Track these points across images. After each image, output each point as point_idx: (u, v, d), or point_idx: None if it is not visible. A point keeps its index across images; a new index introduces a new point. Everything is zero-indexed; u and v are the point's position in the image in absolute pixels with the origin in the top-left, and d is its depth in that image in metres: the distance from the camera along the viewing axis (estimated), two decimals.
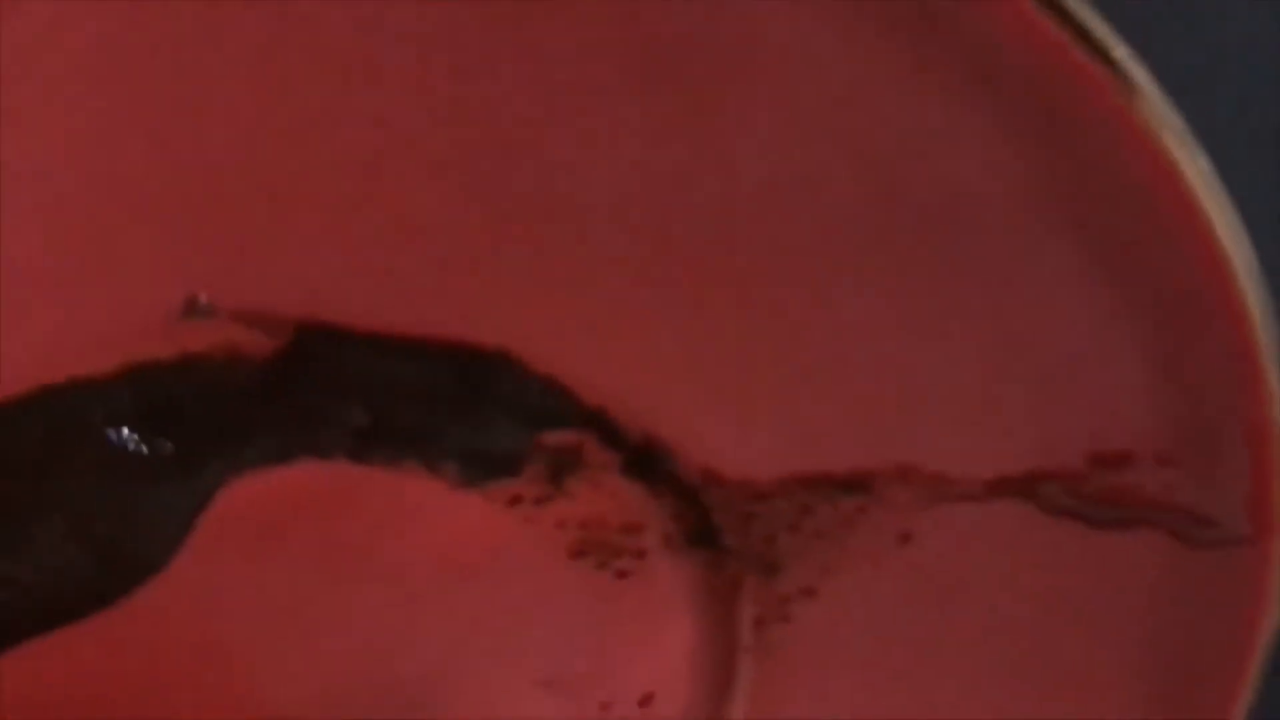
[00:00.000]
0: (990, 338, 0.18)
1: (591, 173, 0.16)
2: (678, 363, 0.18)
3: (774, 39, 0.15)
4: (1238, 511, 0.19)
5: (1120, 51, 0.15)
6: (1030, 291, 0.18)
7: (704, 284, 0.18)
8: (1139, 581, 0.20)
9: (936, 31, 0.15)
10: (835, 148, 0.16)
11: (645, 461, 0.19)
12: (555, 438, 0.19)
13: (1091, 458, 0.19)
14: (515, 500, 0.19)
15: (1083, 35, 0.15)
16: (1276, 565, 0.19)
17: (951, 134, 0.16)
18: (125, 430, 0.17)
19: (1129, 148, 0.16)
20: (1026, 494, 0.19)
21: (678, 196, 0.16)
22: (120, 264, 0.16)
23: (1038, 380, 0.18)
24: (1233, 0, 0.25)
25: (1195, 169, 0.16)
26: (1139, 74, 0.16)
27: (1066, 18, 0.15)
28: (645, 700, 0.22)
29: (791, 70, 0.15)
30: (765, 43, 0.15)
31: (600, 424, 0.18)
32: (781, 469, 0.19)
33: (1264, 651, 0.20)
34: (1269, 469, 0.18)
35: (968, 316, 0.18)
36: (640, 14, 0.15)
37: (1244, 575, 0.19)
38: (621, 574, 0.21)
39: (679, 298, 0.18)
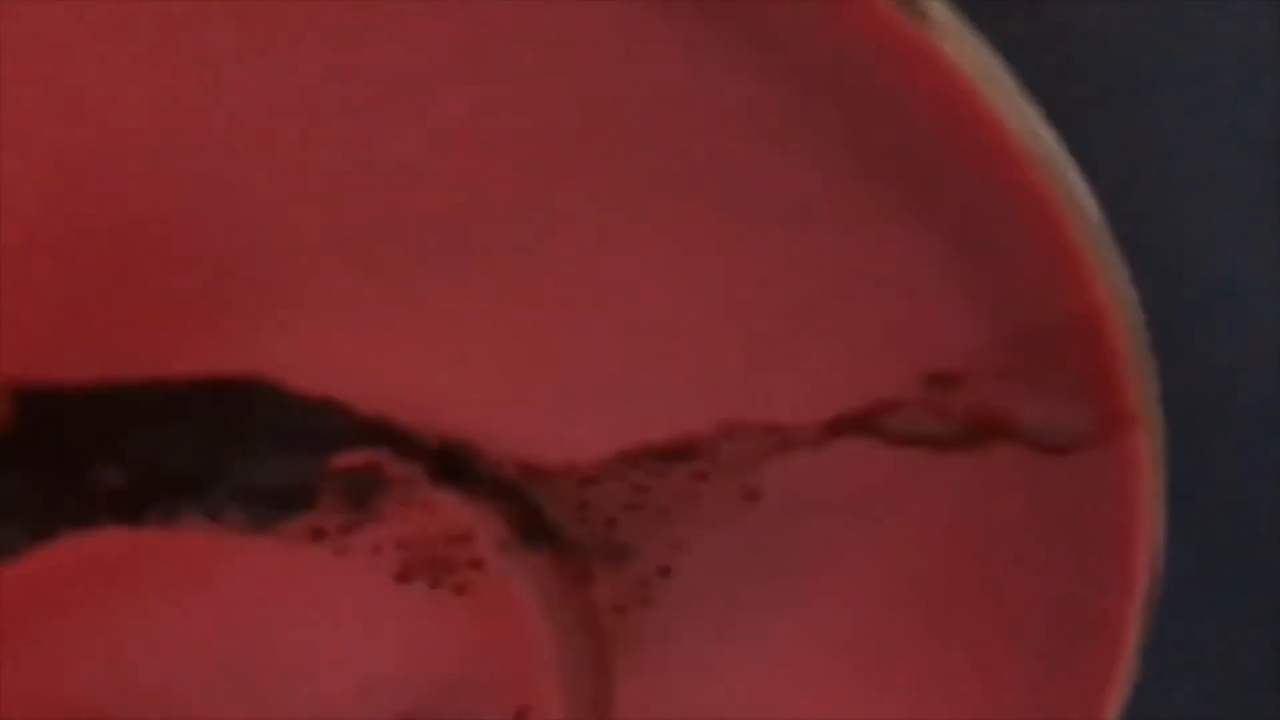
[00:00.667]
0: (793, 276, 0.16)
1: (303, 173, 0.14)
2: (457, 356, 0.16)
3: None
4: (1089, 409, 0.17)
5: None
6: (829, 222, 0.16)
7: (461, 269, 0.16)
8: (1005, 501, 0.18)
9: None
10: (586, 96, 0.15)
11: (452, 467, 0.18)
12: (344, 459, 0.17)
13: (924, 382, 0.17)
14: (318, 534, 0.18)
15: None
16: (1145, 459, 0.18)
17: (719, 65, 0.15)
18: None
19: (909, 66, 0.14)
20: (867, 429, 0.18)
21: (398, 179, 0.15)
22: None
23: (852, 313, 0.17)
24: (1233, 0, 0.25)
25: (974, 60, 0.15)
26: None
27: None
28: (520, 714, 0.21)
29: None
30: None
31: (388, 436, 0.17)
32: (602, 448, 0.18)
33: (1150, 559, 0.19)
34: (1111, 358, 0.17)
35: (764, 258, 0.17)
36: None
37: (1111, 475, 0.18)
38: (460, 589, 0.19)
39: (439, 290, 0.16)
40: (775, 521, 0.19)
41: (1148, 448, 0.18)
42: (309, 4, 0.14)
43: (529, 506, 0.18)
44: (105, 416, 0.15)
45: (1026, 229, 0.16)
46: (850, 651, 0.20)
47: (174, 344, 0.15)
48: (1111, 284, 0.16)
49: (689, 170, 0.15)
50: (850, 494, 0.18)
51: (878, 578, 0.19)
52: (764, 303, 0.16)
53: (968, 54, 0.14)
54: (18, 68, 0.13)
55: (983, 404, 0.17)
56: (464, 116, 0.13)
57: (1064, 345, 0.17)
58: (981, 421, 0.17)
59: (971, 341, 0.17)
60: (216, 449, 0.16)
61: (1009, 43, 0.24)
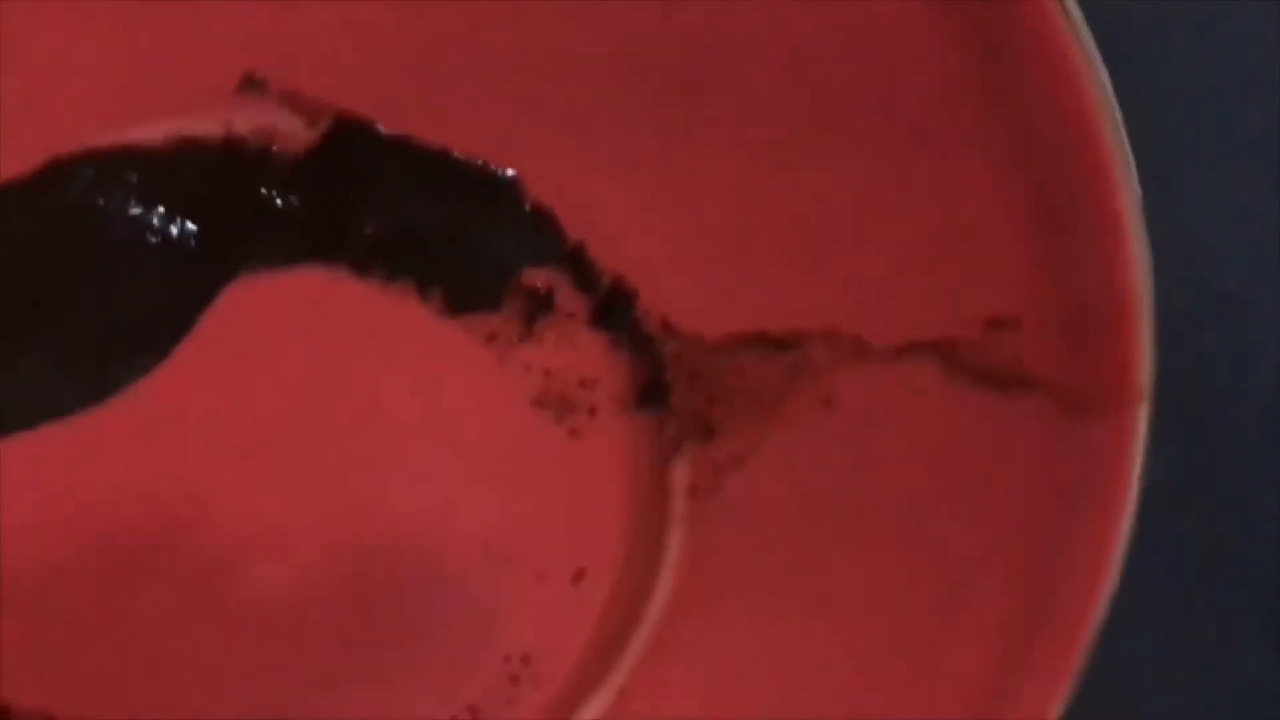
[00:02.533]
0: (904, 212, 0.21)
1: (618, 19, 0.19)
2: (656, 213, 0.21)
3: None
4: (1108, 379, 0.22)
5: None
6: (938, 170, 0.21)
7: (694, 144, 0.20)
8: (1024, 449, 0.22)
9: None
10: (830, 45, 0.20)
11: (611, 311, 0.22)
12: (533, 276, 0.21)
13: (987, 324, 0.22)
14: (491, 337, 0.22)
15: None
16: (1135, 436, 0.22)
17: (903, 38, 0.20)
18: (159, 209, 0.19)
19: (1036, 44, 0.19)
20: (929, 357, 0.22)
21: (691, 58, 0.19)
22: (185, 32, 0.18)
23: (942, 252, 0.21)
24: (1233, 0, 0.25)
25: (1090, 66, 0.20)
26: None
27: None
28: (577, 577, 0.24)
29: None
30: None
31: (577, 263, 0.21)
32: (728, 325, 0.22)
33: (1124, 529, 0.23)
34: (1134, 337, 0.22)
35: (892, 193, 0.21)
36: None
37: (1109, 444, 0.22)
38: (574, 432, 0.23)
39: (671, 152, 0.20)
40: (837, 433, 0.23)
41: (1142, 426, 0.22)
42: None
43: (654, 364, 0.22)
44: (390, 166, 0.19)
45: (1096, 209, 0.20)
46: (855, 585, 0.24)
47: (468, 125, 0.19)
48: (1144, 271, 0.21)
49: (874, 105, 0.19)
50: (903, 418, 0.23)
51: (902, 509, 0.23)
52: (886, 232, 0.21)
53: (1087, 51, 0.19)
54: None
55: (1026, 354, 0.22)
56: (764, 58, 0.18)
57: (1101, 317, 0.21)
58: (1020, 369, 0.22)
59: (1031, 297, 0.21)
60: (448, 231, 0.20)
61: None
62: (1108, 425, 0.22)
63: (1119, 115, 0.21)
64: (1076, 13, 0.19)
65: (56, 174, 0.18)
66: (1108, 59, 0.21)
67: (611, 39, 0.20)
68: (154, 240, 0.19)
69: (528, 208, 0.20)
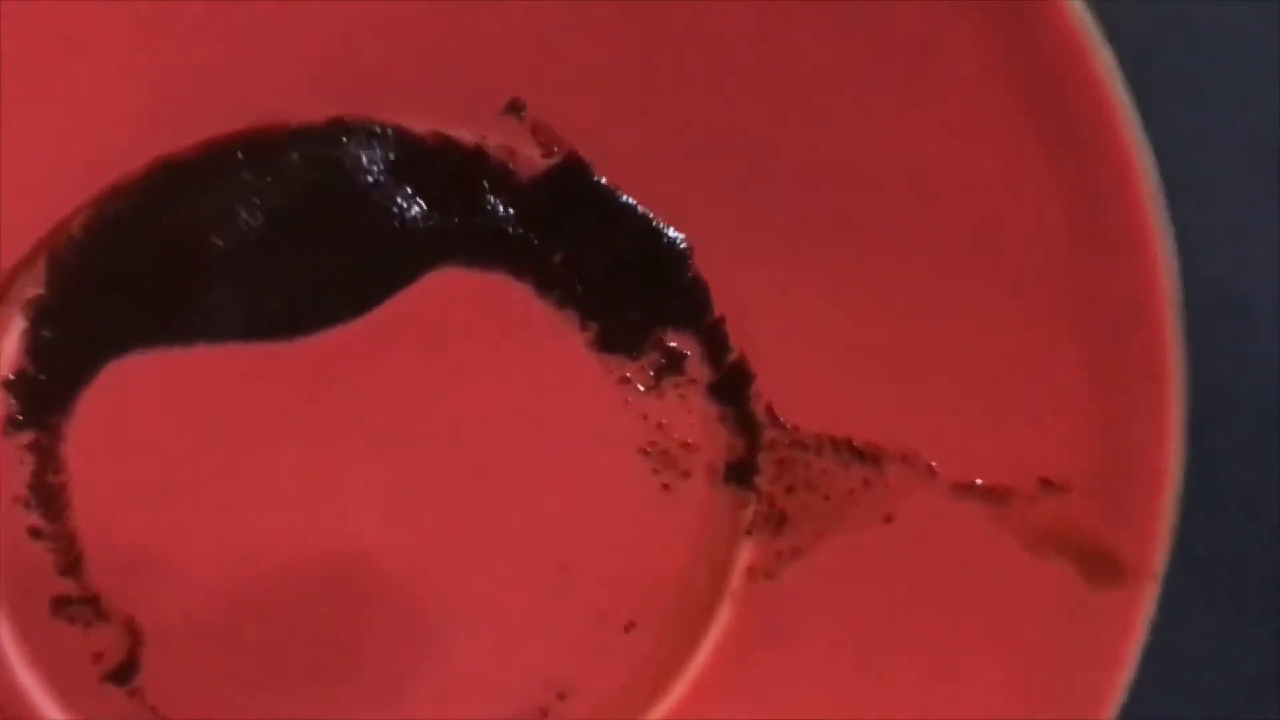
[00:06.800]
0: (994, 357, 0.25)
1: (824, 147, 0.23)
2: (790, 308, 0.24)
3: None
4: (1130, 557, 0.25)
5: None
6: (1027, 318, 0.24)
7: (837, 260, 0.24)
8: (1044, 606, 0.25)
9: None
10: (952, 182, 0.24)
11: (728, 386, 0.25)
12: (673, 337, 0.25)
13: (1040, 481, 0.25)
14: (624, 380, 0.25)
15: None
16: (1144, 610, 0.25)
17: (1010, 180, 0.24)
18: (405, 187, 0.23)
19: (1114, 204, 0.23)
20: (987, 501, 0.25)
21: (878, 189, 0.23)
22: (474, 48, 0.22)
23: (1016, 402, 0.25)
24: (1233, 1, 0.25)
25: (1161, 233, 0.23)
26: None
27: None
28: (629, 626, 0.26)
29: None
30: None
31: (713, 335, 0.24)
32: (822, 425, 0.25)
33: (1120, 691, 0.25)
34: (1158, 523, 0.24)
35: (986, 334, 0.25)
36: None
37: (1119, 618, 0.25)
38: (666, 488, 0.26)
39: (816, 263, 0.24)
40: (890, 551, 0.25)
41: (1152, 603, 0.25)
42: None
43: (750, 446, 0.25)
44: (593, 210, 0.23)
45: (1146, 374, 0.23)
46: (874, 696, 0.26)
47: (665, 190, 0.23)
48: (1179, 468, 0.24)
49: (982, 244, 0.23)
50: (949, 553, 0.25)
51: (929, 636, 0.26)
52: (978, 372, 0.24)
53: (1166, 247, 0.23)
54: None
55: (1066, 518, 0.25)
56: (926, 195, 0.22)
57: (1137, 498, 0.24)
58: (1059, 532, 0.25)
59: (1081, 461, 0.24)
60: (625, 276, 0.24)
61: None
62: (1120, 599, 0.25)
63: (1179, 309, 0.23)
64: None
65: (338, 130, 0.23)
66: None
67: (801, 156, 0.24)
68: (392, 210, 0.23)
69: (690, 274, 0.24)
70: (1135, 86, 0.21)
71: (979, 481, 0.26)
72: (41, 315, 0.23)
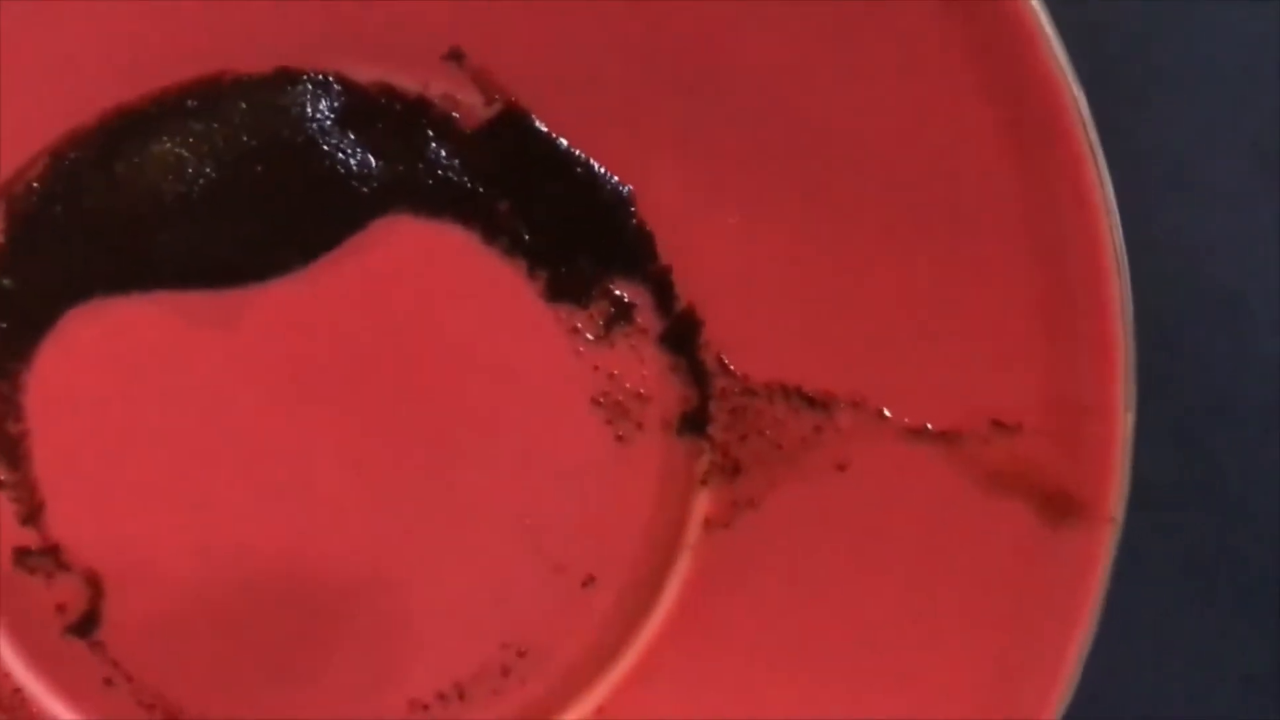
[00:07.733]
0: (940, 300, 0.25)
1: (768, 84, 0.23)
2: (738, 258, 0.25)
3: None
4: (1085, 497, 0.24)
5: None
6: (975, 261, 0.24)
7: (785, 210, 0.24)
8: (1001, 547, 0.25)
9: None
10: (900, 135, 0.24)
11: (678, 336, 0.25)
12: (622, 285, 0.25)
13: (992, 423, 0.25)
14: (574, 330, 0.25)
15: None
16: (1103, 554, 0.24)
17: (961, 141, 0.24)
18: (350, 134, 0.23)
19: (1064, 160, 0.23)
20: (939, 445, 0.25)
21: (823, 137, 0.23)
22: (412, 1, 0.23)
23: (966, 344, 0.25)
24: (1233, 1, 0.25)
25: (1106, 202, 0.24)
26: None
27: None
28: (588, 581, 0.26)
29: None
30: None
31: (661, 284, 0.25)
32: (773, 373, 0.25)
33: (1084, 639, 0.24)
34: (1111, 462, 0.24)
35: (933, 279, 0.25)
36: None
37: (1077, 561, 0.24)
38: (620, 439, 0.26)
39: (766, 211, 0.24)
40: (843, 499, 0.25)
41: (1111, 547, 0.24)
42: None
43: (702, 396, 0.25)
44: (532, 159, 0.24)
45: (1095, 319, 0.23)
46: (830, 647, 0.25)
47: (608, 136, 0.23)
48: (1130, 407, 0.24)
49: (933, 193, 0.23)
50: (903, 499, 0.25)
51: (884, 583, 0.25)
52: (924, 315, 0.24)
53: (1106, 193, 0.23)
54: None
55: (1019, 459, 0.24)
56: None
57: (1089, 437, 0.24)
58: (1012, 472, 0.24)
59: (1033, 401, 0.24)
60: (570, 224, 0.24)
61: None
62: (1078, 541, 0.25)
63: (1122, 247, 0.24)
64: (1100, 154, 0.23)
65: (284, 79, 0.23)
66: (1108, 59, 0.21)
67: (757, 110, 0.24)
68: (339, 158, 0.24)
69: (634, 222, 0.25)
70: (1135, 86, 0.21)
71: (930, 425, 0.26)
72: (0, 265, 0.24)
